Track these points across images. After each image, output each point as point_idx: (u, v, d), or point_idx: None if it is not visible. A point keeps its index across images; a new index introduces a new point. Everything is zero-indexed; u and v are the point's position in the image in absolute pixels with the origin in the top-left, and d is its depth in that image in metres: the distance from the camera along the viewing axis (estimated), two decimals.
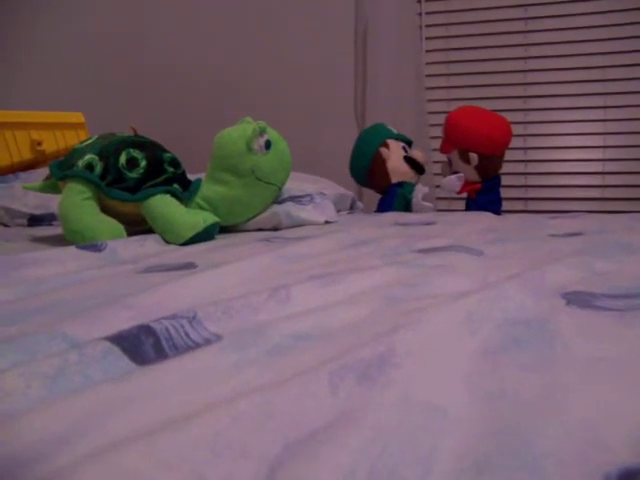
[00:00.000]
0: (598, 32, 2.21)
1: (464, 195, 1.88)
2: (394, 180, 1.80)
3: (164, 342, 0.46)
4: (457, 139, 1.76)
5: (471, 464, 0.31)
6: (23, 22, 2.76)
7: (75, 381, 0.39)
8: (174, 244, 1.10)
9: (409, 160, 1.80)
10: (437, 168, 2.30)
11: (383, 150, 1.80)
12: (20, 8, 2.75)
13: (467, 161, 1.75)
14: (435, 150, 2.29)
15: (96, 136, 1.22)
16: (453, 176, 1.78)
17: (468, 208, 1.84)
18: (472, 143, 1.73)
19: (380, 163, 1.81)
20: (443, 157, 2.22)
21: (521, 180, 2.31)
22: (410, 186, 1.77)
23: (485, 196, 1.77)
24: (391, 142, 1.83)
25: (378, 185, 1.84)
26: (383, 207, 1.81)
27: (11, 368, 0.40)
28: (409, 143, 1.88)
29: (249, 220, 1.29)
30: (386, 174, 1.80)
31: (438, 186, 2.24)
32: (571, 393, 0.37)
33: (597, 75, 2.22)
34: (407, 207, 1.75)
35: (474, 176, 1.77)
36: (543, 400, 0.36)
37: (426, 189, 1.75)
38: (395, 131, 1.89)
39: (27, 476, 0.29)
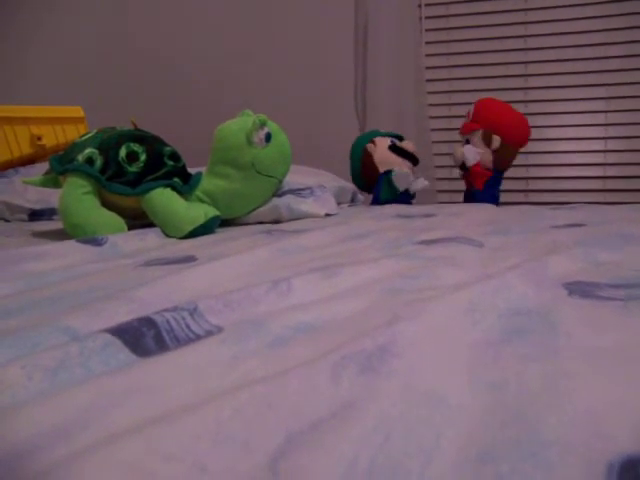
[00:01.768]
0: (599, 23, 2.20)
1: (462, 187, 1.88)
2: (382, 170, 1.80)
3: (165, 334, 0.46)
4: (486, 118, 1.80)
5: (474, 454, 0.31)
6: (23, 17, 2.75)
7: (76, 373, 0.39)
8: (175, 238, 1.10)
9: (395, 149, 1.81)
10: (438, 160, 2.30)
11: (369, 146, 1.84)
12: (21, 4, 2.74)
13: (489, 143, 1.77)
14: (435, 142, 2.29)
15: (96, 130, 1.22)
16: (475, 148, 1.79)
17: (467, 200, 1.85)
18: (499, 126, 1.78)
19: (368, 158, 1.84)
20: (444, 149, 2.22)
21: (522, 172, 2.31)
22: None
23: (490, 189, 1.79)
24: (378, 139, 1.85)
25: (371, 181, 1.85)
26: (374, 196, 1.84)
27: (12, 360, 0.40)
28: (399, 138, 1.88)
29: (249, 213, 1.29)
30: (374, 167, 1.81)
31: (439, 178, 2.24)
32: (574, 382, 0.37)
33: (598, 66, 2.21)
34: (395, 191, 1.76)
35: (488, 163, 1.79)
36: (546, 390, 0.36)
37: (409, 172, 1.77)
38: (383, 131, 1.92)
39: (27, 468, 0.29)
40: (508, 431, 0.32)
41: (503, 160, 1.80)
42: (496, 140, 1.76)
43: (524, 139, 1.82)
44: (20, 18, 2.75)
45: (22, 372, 0.38)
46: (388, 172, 1.77)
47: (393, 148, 1.81)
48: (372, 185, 1.86)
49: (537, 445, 0.31)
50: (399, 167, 1.78)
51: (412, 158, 1.83)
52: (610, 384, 0.37)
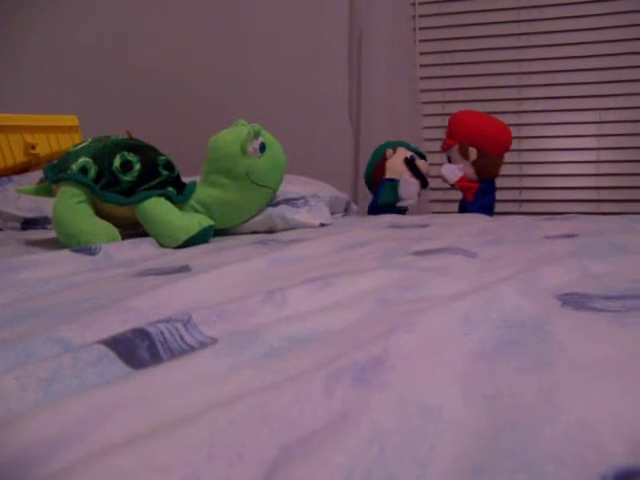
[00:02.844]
0: (593, 34, 2.22)
1: (458, 197, 1.89)
2: (388, 176, 1.82)
3: (159, 345, 0.46)
4: (459, 133, 1.81)
5: (468, 466, 0.31)
6: (17, 25, 2.75)
7: (70, 385, 0.39)
8: (169, 247, 1.10)
9: (409, 163, 1.82)
10: (431, 170, 2.31)
11: (388, 151, 1.87)
12: (14, 12, 2.74)
13: (466, 156, 1.78)
14: (429, 152, 2.30)
15: (90, 139, 1.22)
16: (454, 165, 1.80)
17: (462, 210, 1.86)
18: (473, 137, 1.79)
19: (382, 161, 1.87)
20: (437, 159, 2.23)
21: (515, 182, 2.32)
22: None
23: (481, 199, 1.80)
24: (400, 148, 1.87)
25: (377, 182, 1.87)
26: (372, 200, 1.87)
27: (6, 372, 0.40)
28: (422, 156, 1.90)
29: (244, 223, 1.29)
30: (383, 170, 1.83)
31: (432, 188, 2.24)
32: (567, 394, 0.37)
33: (592, 77, 2.23)
34: (394, 198, 1.78)
35: (472, 175, 1.79)
36: (540, 401, 0.36)
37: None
38: (412, 146, 1.94)
39: None
40: (502, 443, 0.32)
41: (486, 170, 1.81)
42: (472, 152, 1.78)
43: (503, 146, 1.82)
44: (14, 25, 2.75)
45: (16, 383, 0.38)
46: (392, 180, 1.79)
47: (408, 162, 1.83)
48: (376, 186, 1.87)
49: (531, 457, 0.31)
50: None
51: (422, 179, 1.85)
52: (603, 396, 0.37)
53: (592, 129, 2.25)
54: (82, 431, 0.33)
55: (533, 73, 2.29)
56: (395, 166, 1.83)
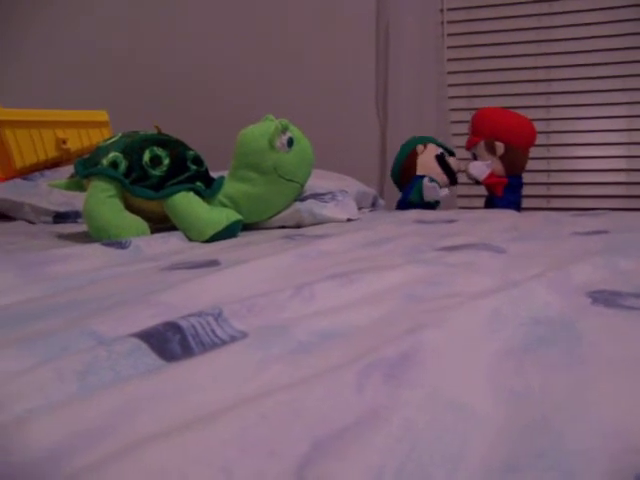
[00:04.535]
0: (621, 27, 2.18)
1: (485, 192, 1.88)
2: (419, 173, 1.81)
3: (190, 339, 0.46)
4: (484, 129, 1.80)
5: (499, 463, 0.31)
6: (47, 21, 2.78)
7: (105, 377, 0.40)
8: (197, 241, 1.11)
9: (440, 160, 1.81)
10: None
11: (419, 147, 1.86)
12: (42, 6, 2.78)
13: (493, 151, 1.76)
14: (457, 147, 2.28)
15: (120, 134, 1.23)
16: (481, 162, 1.79)
17: (488, 206, 1.84)
18: (499, 132, 1.77)
19: (413, 157, 1.86)
20: (464, 154, 2.21)
21: (544, 177, 2.29)
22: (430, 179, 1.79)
23: (510, 195, 1.78)
24: (431, 145, 1.86)
25: (406, 178, 1.86)
26: (403, 195, 1.85)
27: (42, 363, 0.40)
28: (451, 153, 1.89)
29: (271, 217, 1.29)
30: (414, 166, 1.83)
31: (459, 183, 2.23)
32: (599, 392, 0.37)
33: (621, 71, 2.19)
34: (422, 198, 1.78)
35: (500, 170, 1.78)
36: (570, 399, 0.36)
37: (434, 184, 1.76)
38: (440, 141, 1.93)
39: (56, 472, 0.30)
40: (532, 440, 0.32)
41: (514, 164, 1.80)
42: (499, 147, 1.76)
43: (529, 139, 1.80)
44: (43, 20, 2.79)
45: (53, 375, 0.39)
46: (424, 177, 1.79)
47: (439, 158, 1.82)
48: (404, 183, 1.86)
49: (562, 456, 0.31)
50: (436, 176, 1.79)
51: (452, 176, 1.84)
52: (635, 394, 0.37)
53: (623, 123, 2.22)
54: (117, 423, 0.34)
55: (562, 67, 2.26)
56: (426, 163, 1.82)
